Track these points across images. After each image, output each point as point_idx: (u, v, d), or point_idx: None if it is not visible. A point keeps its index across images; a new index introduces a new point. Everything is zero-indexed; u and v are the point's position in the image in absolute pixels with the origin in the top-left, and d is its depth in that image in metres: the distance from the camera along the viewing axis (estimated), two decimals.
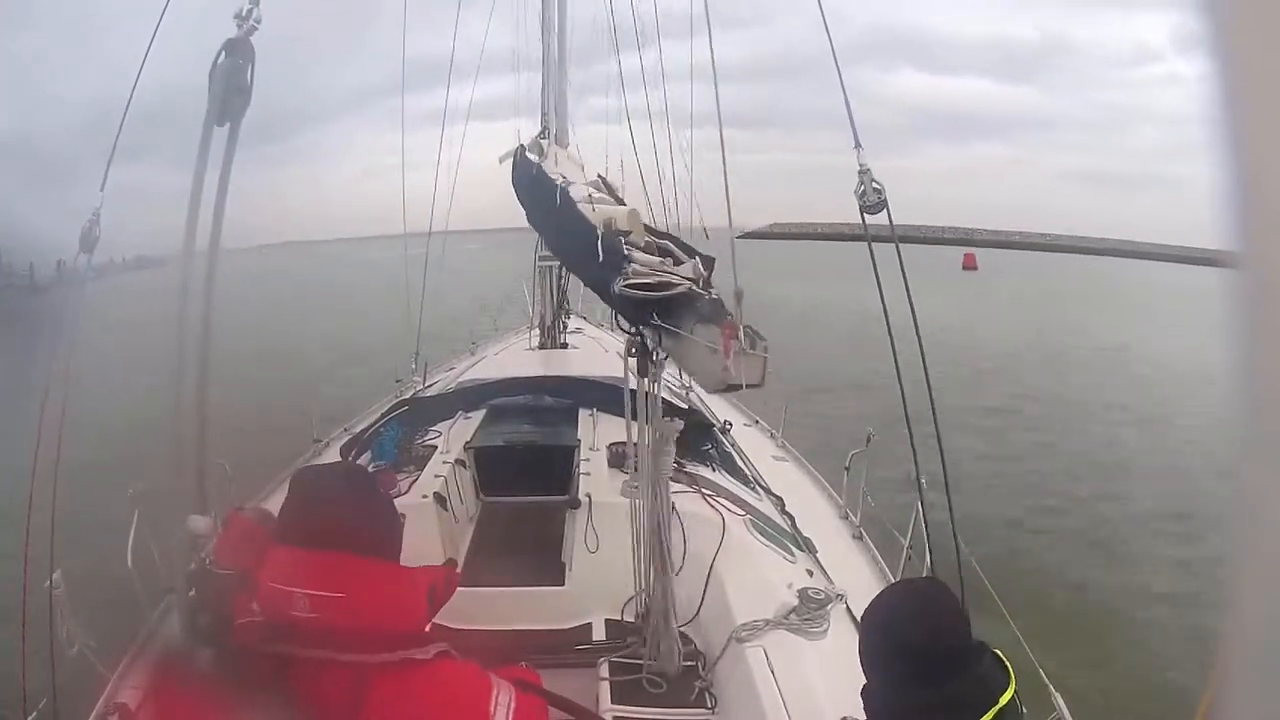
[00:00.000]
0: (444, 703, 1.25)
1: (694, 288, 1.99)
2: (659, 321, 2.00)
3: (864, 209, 2.01)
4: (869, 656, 1.34)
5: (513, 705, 1.28)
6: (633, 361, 2.31)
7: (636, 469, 2.57)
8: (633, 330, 2.23)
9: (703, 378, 1.97)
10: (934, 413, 2.10)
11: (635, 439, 2.47)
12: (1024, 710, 1.26)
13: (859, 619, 1.43)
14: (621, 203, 2.96)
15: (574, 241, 2.51)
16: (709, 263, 2.15)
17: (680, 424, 2.58)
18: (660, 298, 1.99)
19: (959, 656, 1.23)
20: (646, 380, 2.30)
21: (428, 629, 1.35)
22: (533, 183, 3.34)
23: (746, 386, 1.78)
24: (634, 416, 2.41)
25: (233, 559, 1.42)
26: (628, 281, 2.02)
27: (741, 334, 1.74)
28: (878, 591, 1.50)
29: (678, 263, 2.19)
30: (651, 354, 2.21)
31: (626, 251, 2.15)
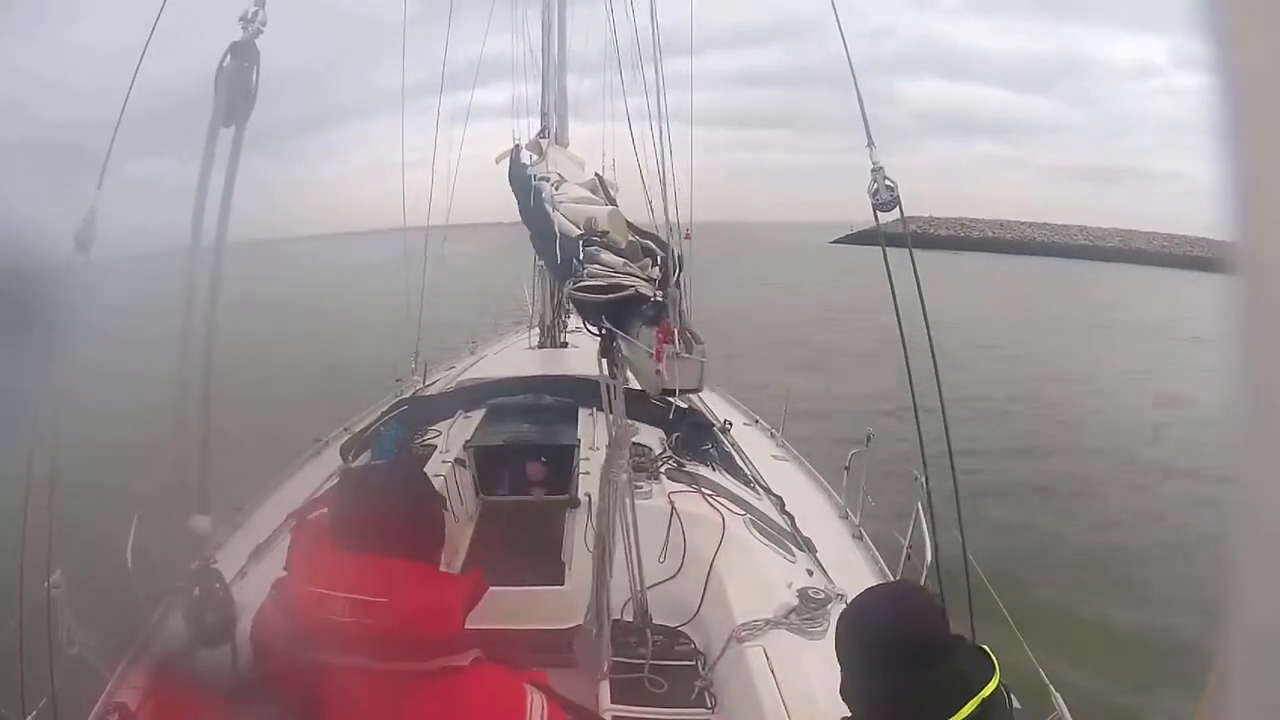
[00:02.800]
0: (483, 710, 1.23)
1: (638, 290, 1.96)
2: (607, 324, 1.98)
3: (877, 207, 1.98)
4: (844, 651, 1.35)
5: (545, 711, 1.28)
6: (605, 361, 2.30)
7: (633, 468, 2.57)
8: (593, 331, 2.22)
9: (643, 381, 1.95)
10: (944, 413, 2.08)
11: (610, 438, 2.47)
12: (1015, 703, 1.27)
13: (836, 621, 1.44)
14: (612, 203, 2.95)
15: (543, 242, 2.51)
16: (668, 262, 2.11)
17: (636, 428, 2.56)
18: (607, 300, 1.97)
19: (933, 648, 1.24)
20: (615, 381, 2.27)
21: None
22: (522, 182, 3.35)
23: (681, 392, 1.74)
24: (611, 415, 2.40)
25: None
26: (578, 284, 2.01)
27: (677, 337, 1.70)
28: None
29: (657, 263, 2.19)
30: (617, 354, 2.19)
31: (585, 254, 2.14)
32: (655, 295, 1.96)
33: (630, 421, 2.51)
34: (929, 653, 1.23)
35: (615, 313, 2.00)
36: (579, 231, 2.34)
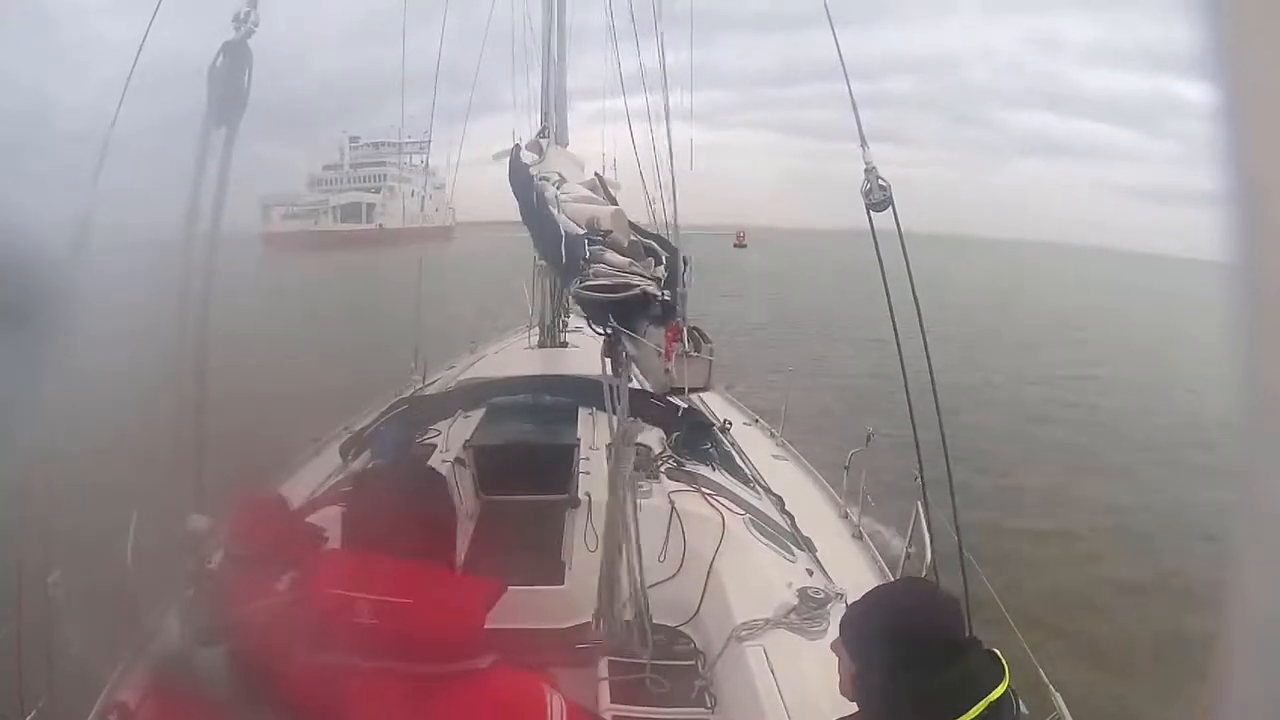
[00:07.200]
0: (506, 712, 1.22)
1: (646, 290, 1.97)
2: (614, 323, 1.98)
3: (870, 207, 2.00)
4: (863, 644, 1.33)
5: (565, 713, 1.27)
6: (609, 361, 2.30)
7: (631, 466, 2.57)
8: (599, 330, 2.22)
9: (652, 380, 1.95)
10: (938, 412, 2.09)
11: (611, 437, 2.47)
12: (1023, 708, 1.26)
13: (848, 609, 1.42)
14: (614, 202, 2.95)
15: (547, 242, 2.52)
16: (674, 263, 2.11)
17: (641, 425, 2.56)
18: (614, 299, 1.98)
19: (951, 648, 1.23)
20: (619, 379, 2.28)
21: None
22: (522, 182, 3.34)
23: (689, 391, 1.76)
24: (614, 413, 2.41)
25: (248, 544, 1.37)
26: (585, 284, 2.01)
27: (685, 336, 1.71)
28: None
29: (659, 263, 2.19)
30: (622, 354, 2.20)
31: (589, 254, 2.14)
32: (662, 295, 1.96)
33: (635, 419, 2.51)
34: (952, 652, 1.23)
35: (622, 312, 2.00)
36: (582, 231, 2.34)
